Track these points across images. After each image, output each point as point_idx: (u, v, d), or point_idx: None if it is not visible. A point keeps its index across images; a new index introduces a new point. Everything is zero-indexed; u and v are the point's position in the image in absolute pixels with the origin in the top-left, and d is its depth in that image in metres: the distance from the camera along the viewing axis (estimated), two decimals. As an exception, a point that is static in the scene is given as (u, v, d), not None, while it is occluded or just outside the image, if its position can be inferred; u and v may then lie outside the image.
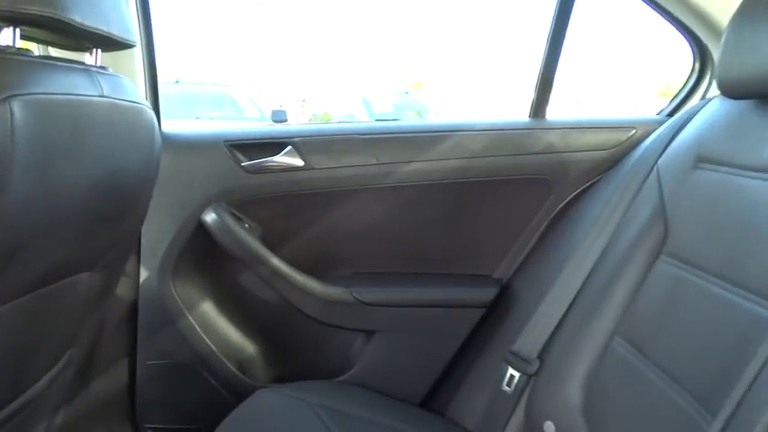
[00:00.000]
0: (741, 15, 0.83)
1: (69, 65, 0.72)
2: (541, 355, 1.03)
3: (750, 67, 0.79)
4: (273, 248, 1.19)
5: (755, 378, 0.59)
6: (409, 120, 6.61)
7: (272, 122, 7.07)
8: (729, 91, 0.84)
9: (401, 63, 28.39)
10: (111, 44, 0.77)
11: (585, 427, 0.89)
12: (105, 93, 0.75)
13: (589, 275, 1.01)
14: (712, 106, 0.94)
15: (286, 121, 7.58)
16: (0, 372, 0.74)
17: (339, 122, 7.27)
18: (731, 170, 0.81)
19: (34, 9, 0.62)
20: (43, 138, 0.62)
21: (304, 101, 29.27)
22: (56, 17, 0.64)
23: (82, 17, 0.67)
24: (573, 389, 0.94)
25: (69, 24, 0.65)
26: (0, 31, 0.65)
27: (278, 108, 8.75)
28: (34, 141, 0.61)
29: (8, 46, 0.65)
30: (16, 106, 0.58)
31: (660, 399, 0.76)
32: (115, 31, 0.74)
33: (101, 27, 0.71)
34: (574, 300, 1.02)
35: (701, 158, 0.88)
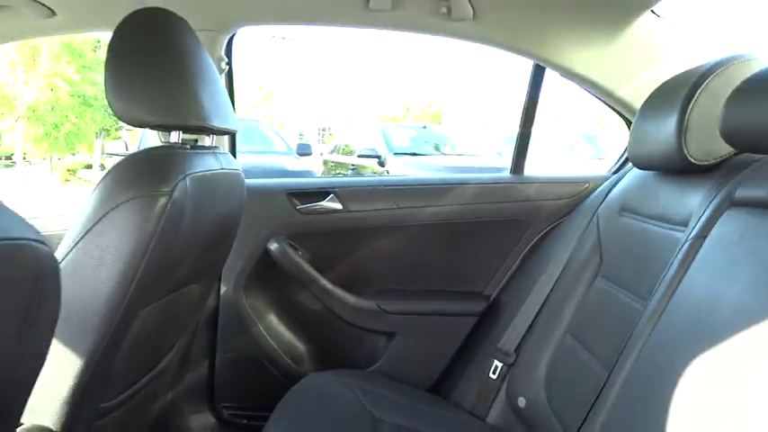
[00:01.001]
0: (645, 107, 1.19)
1: (205, 151, 1.06)
2: (517, 350, 1.40)
3: (650, 148, 1.15)
4: (320, 271, 1.58)
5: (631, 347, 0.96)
6: (420, 175, 6.63)
7: (297, 155, 7.51)
8: (637, 164, 1.21)
9: (420, 94, 28.79)
10: (226, 133, 1.18)
11: (545, 396, 1.25)
12: (224, 166, 1.08)
13: (551, 291, 1.38)
14: (634, 170, 1.32)
15: (311, 154, 7.99)
16: (145, 349, 1.11)
17: (368, 175, 7.51)
18: (640, 218, 1.18)
19: (193, 122, 0.95)
20: (199, 198, 0.94)
21: (324, 130, 29.80)
22: (205, 125, 0.97)
23: (216, 122, 1.00)
24: (539, 372, 1.30)
25: (211, 129, 1.01)
26: (170, 133, 0.99)
27: (302, 142, 9.23)
28: (195, 201, 0.92)
29: (176, 143, 0.99)
30: (188, 181, 0.90)
31: (588, 371, 1.12)
32: (230, 126, 1.07)
33: (223, 126, 1.03)
34: (540, 309, 1.39)
35: (624, 208, 1.25)
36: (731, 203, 0.86)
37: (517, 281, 1.56)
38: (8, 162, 17.04)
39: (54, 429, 0.86)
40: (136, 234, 0.83)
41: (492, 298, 1.59)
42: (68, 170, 14.13)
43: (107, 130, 16.02)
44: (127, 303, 0.85)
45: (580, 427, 0.98)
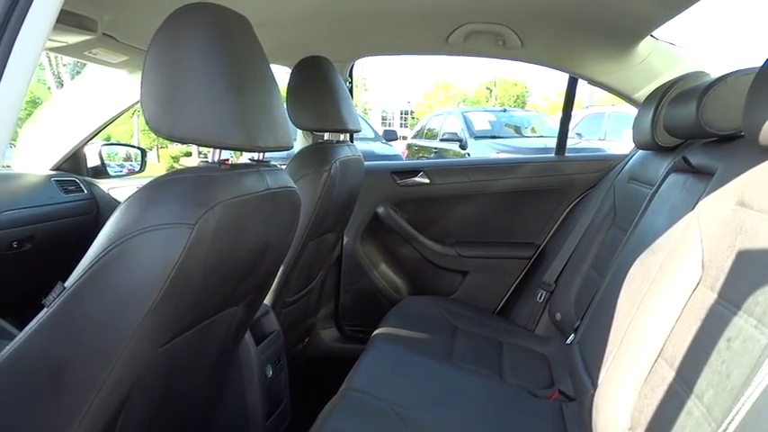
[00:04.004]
0: (641, 107, 1.69)
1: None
2: (556, 281, 1.96)
3: (641, 135, 1.65)
4: (413, 227, 2.20)
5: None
6: (485, 158, 6.75)
7: (384, 141, 8.16)
8: (637, 146, 1.73)
9: (503, 73, 28.47)
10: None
11: (574, 310, 1.78)
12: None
13: (580, 240, 1.93)
14: (639, 150, 1.83)
15: (396, 139, 8.62)
16: (303, 273, 1.73)
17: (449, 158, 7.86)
18: (638, 183, 1.70)
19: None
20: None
21: (407, 114, 30.20)
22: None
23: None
24: (570, 295, 1.85)
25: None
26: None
27: (388, 128, 9.86)
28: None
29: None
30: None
31: (595, 285, 1.66)
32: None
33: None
34: (572, 253, 1.94)
35: (632, 178, 1.77)
36: (674, 170, 1.39)
37: (557, 234, 2.11)
38: (125, 151, 18.79)
39: (267, 305, 1.51)
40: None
41: (539, 246, 2.15)
42: (172, 157, 15.36)
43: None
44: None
45: (581, 319, 1.53)
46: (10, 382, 0.77)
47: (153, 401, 0.94)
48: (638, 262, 1.23)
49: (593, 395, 1.14)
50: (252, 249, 0.96)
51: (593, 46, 1.84)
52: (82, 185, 2.01)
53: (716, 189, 1.04)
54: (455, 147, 7.82)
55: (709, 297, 0.94)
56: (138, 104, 1.97)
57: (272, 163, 1.04)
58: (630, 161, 1.86)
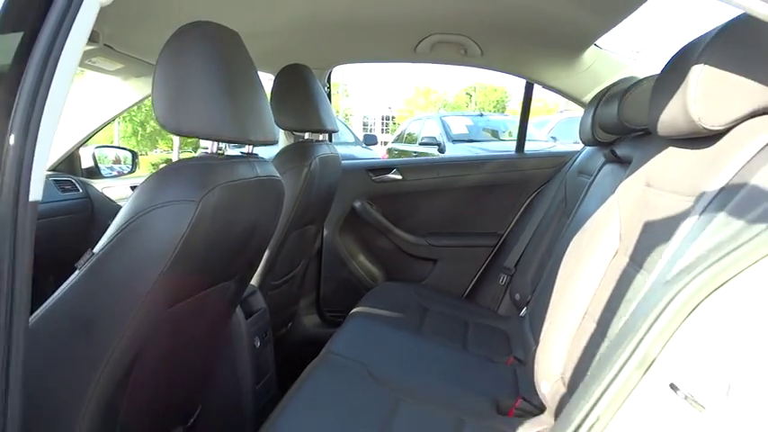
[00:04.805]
0: (588, 104, 1.91)
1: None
2: (516, 266, 2.17)
3: (584, 133, 1.88)
4: (388, 220, 2.39)
5: None
6: (453, 155, 6.98)
7: (364, 145, 8.35)
8: (583, 142, 1.95)
9: (483, 79, 28.85)
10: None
11: (530, 288, 1.98)
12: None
13: (536, 228, 2.14)
14: (586, 147, 2.05)
15: (376, 143, 8.81)
16: (286, 261, 1.94)
17: (420, 157, 8.07)
18: (585, 176, 1.91)
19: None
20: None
21: (388, 119, 30.41)
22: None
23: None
24: (527, 278, 2.06)
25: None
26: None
27: (368, 133, 10.06)
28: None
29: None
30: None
31: (546, 264, 1.88)
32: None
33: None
34: (529, 240, 2.15)
35: (579, 171, 1.99)
36: (606, 162, 1.61)
37: (518, 223, 2.32)
38: (104, 158, 18.78)
39: (254, 285, 1.69)
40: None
41: (502, 235, 2.36)
42: (152, 164, 15.42)
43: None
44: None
45: (531, 295, 1.73)
46: (47, 332, 0.94)
47: (160, 355, 1.11)
48: (573, 241, 1.44)
49: (534, 351, 1.35)
50: (244, 228, 1.11)
51: (544, 54, 2.05)
52: (77, 185, 2.16)
53: (631, 174, 1.25)
54: (434, 150, 7.99)
55: (623, 262, 1.15)
56: (124, 111, 2.15)
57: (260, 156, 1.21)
58: (579, 157, 2.08)
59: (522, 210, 2.34)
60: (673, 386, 0.63)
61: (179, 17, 1.09)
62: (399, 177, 2.39)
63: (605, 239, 1.25)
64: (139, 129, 16.83)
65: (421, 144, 8.42)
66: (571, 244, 1.44)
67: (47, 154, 0.75)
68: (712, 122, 0.91)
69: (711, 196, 0.79)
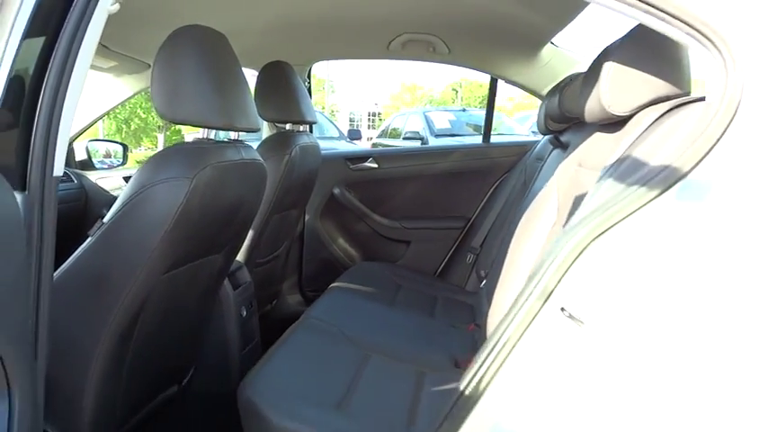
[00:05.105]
0: (544, 98, 2.11)
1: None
2: (481, 245, 2.36)
3: (540, 123, 2.08)
4: (365, 205, 2.58)
5: None
6: (427, 145, 7.23)
7: (348, 140, 8.53)
8: (540, 131, 2.14)
9: (469, 75, 28.99)
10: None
11: (492, 266, 2.19)
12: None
13: (500, 211, 2.34)
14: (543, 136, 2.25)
15: (360, 138, 9.00)
16: (269, 242, 2.11)
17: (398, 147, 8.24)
18: (540, 162, 2.11)
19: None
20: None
21: (375, 115, 30.55)
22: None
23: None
24: (491, 255, 2.24)
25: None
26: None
27: (352, 128, 10.22)
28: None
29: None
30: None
31: (505, 242, 2.07)
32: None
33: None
34: (495, 221, 2.35)
35: (537, 158, 2.18)
36: (554, 147, 1.80)
37: (484, 207, 2.52)
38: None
39: (241, 261, 1.86)
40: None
41: (470, 218, 2.56)
42: (136, 161, 15.49)
43: (169, 126, 17.37)
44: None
45: (491, 268, 1.93)
46: (66, 288, 1.12)
47: (159, 316, 1.28)
48: (523, 217, 1.64)
49: (487, 314, 1.54)
50: (231, 202, 1.28)
51: (506, 52, 2.25)
52: (72, 176, 2.31)
53: (567, 157, 1.45)
54: (417, 144, 8.18)
55: (558, 230, 1.35)
56: (117, 105, 2.29)
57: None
58: (537, 145, 2.28)
59: (488, 194, 2.53)
60: (562, 309, 0.82)
61: (171, 19, 1.26)
62: (375, 166, 2.57)
63: (546, 213, 1.45)
64: (123, 126, 16.83)
65: (404, 138, 8.60)
66: (521, 220, 1.64)
67: (66, 137, 0.92)
68: (619, 109, 1.11)
69: (608, 167, 0.98)
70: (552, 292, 0.84)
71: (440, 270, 2.56)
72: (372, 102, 32.72)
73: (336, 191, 2.55)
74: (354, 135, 8.57)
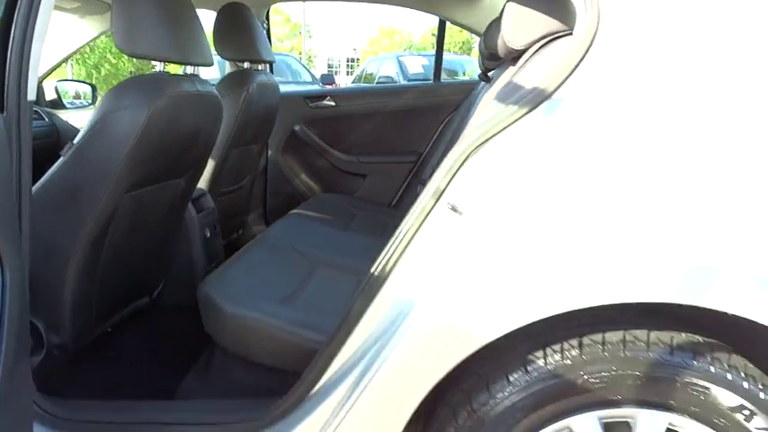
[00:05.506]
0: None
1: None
2: (428, 177, 2.56)
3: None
4: (325, 142, 2.75)
5: None
6: (380, 85, 7.63)
7: (321, 84, 8.56)
8: (481, 70, 2.31)
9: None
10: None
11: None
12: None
13: (447, 146, 2.52)
14: None
15: (333, 83, 9.04)
16: (232, 173, 2.27)
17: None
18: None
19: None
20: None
21: (353, 61, 30.11)
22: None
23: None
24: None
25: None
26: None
27: (326, 72, 10.23)
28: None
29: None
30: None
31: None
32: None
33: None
34: (441, 155, 2.54)
35: (477, 95, 2.36)
36: (485, 83, 1.98)
37: (435, 143, 2.71)
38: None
39: (204, 189, 2.03)
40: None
41: (422, 154, 2.75)
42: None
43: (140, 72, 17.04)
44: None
45: None
46: (45, 200, 1.29)
47: (126, 230, 1.45)
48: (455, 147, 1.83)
49: None
50: (188, 130, 1.45)
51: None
52: (43, 115, 2.43)
53: (488, 90, 1.64)
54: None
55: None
56: (79, 50, 2.40)
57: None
58: (481, 84, 2.45)
59: (438, 130, 2.71)
60: (448, 204, 1.03)
61: None
62: (333, 104, 2.73)
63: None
64: (94, 71, 16.44)
65: (378, 83, 8.66)
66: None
67: (37, 66, 1.08)
68: (516, 43, 1.29)
69: (499, 92, 1.18)
70: (443, 191, 1.04)
71: (394, 202, 2.76)
72: (351, 47, 32.18)
73: (297, 128, 2.71)
74: (327, 80, 8.60)
